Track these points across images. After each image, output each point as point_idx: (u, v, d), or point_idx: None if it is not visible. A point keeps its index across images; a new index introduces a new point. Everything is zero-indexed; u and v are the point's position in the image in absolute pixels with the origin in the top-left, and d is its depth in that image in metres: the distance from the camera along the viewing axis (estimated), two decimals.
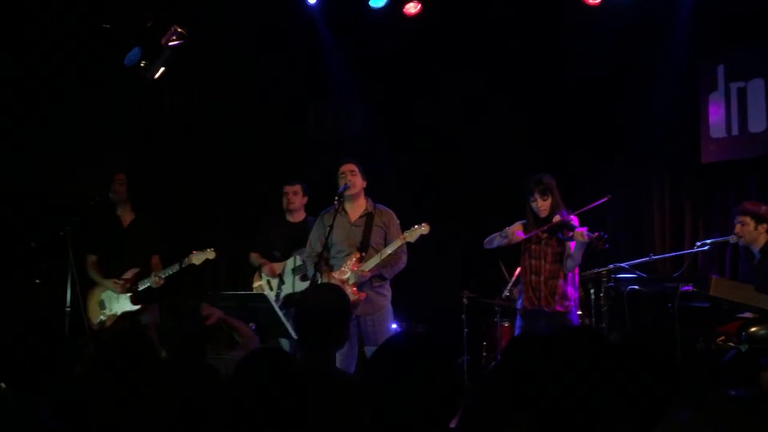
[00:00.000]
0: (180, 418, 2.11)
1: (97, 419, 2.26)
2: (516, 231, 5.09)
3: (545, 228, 5.02)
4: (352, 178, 5.17)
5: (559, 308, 4.99)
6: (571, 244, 4.96)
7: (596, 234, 4.80)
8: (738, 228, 5.35)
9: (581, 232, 4.83)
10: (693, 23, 6.65)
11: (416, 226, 5.12)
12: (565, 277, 5.02)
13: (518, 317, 5.25)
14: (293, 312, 4.84)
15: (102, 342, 2.49)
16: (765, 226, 5.28)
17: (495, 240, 5.20)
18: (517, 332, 5.29)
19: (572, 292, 5.06)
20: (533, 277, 5.07)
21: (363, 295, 5.05)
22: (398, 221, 5.31)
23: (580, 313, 6.37)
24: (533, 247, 5.11)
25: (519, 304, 5.21)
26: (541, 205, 5.04)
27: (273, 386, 2.21)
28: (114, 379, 2.38)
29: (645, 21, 6.77)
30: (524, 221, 5.21)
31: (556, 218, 4.98)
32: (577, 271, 5.15)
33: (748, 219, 5.27)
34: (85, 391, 2.39)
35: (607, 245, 4.85)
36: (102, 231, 5.74)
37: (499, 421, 1.94)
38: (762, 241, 5.29)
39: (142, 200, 5.91)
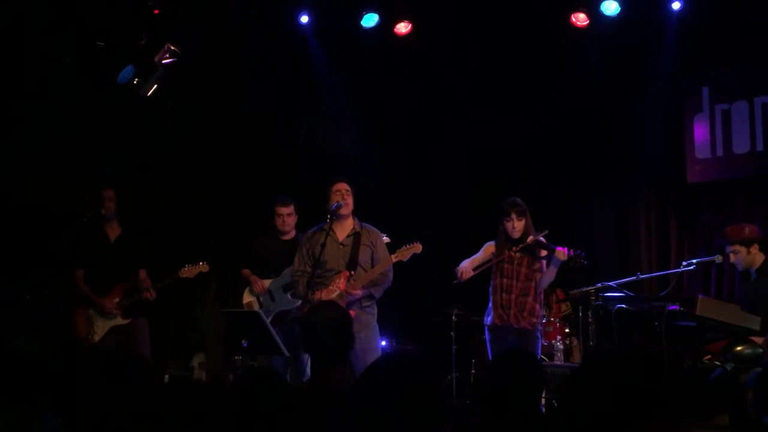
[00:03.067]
0: None
1: None
2: (464, 271, 5.25)
3: (520, 247, 5.20)
4: (347, 197, 5.22)
5: (526, 325, 5.19)
6: (543, 263, 5.20)
7: (573, 252, 5.04)
8: (732, 258, 5.43)
9: (562, 251, 5.07)
10: (678, 46, 6.77)
11: (408, 245, 5.17)
12: (535, 295, 5.22)
13: (487, 332, 5.43)
14: (299, 333, 4.89)
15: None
16: (756, 246, 5.35)
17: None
18: (488, 346, 5.44)
19: (538, 309, 5.27)
20: (504, 295, 5.25)
21: (352, 314, 5.08)
22: (384, 240, 5.36)
23: (567, 330, 6.49)
24: (506, 266, 5.28)
25: (488, 321, 5.36)
26: (517, 225, 5.22)
27: (264, 407, 2.25)
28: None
29: (631, 43, 6.89)
30: (495, 241, 5.34)
31: (531, 238, 5.18)
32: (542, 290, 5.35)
33: (737, 247, 5.36)
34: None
35: (585, 262, 5.07)
36: (89, 246, 5.75)
37: None
38: (758, 261, 5.36)
39: (132, 215, 5.92)
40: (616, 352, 2.38)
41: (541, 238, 5.21)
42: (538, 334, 5.32)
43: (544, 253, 5.19)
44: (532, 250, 5.22)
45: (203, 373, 6.30)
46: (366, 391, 1.95)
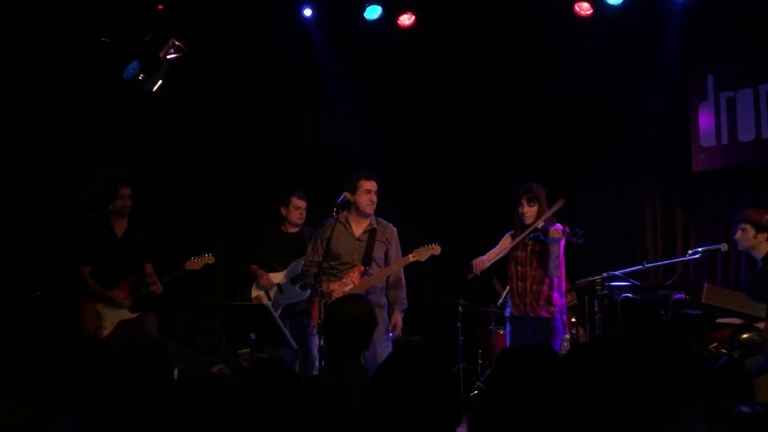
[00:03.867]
0: None
1: None
2: (479, 263, 5.15)
3: (528, 233, 5.08)
4: (376, 197, 5.19)
5: (543, 314, 5.04)
6: (556, 249, 5.04)
7: (568, 229, 4.89)
8: (738, 234, 5.42)
9: (555, 229, 4.92)
10: (683, 34, 6.75)
11: (427, 246, 5.13)
12: (551, 283, 5.07)
13: (507, 324, 5.33)
14: (308, 326, 4.92)
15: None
16: (765, 234, 5.33)
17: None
18: (507, 339, 5.35)
19: (557, 298, 5.10)
20: (519, 283, 5.15)
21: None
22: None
23: (574, 320, 6.48)
24: (519, 254, 5.19)
25: (507, 312, 5.28)
26: (527, 211, 5.12)
27: (275, 397, 2.28)
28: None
29: (635, 32, 6.87)
30: (513, 232, 5.29)
31: (539, 223, 5.04)
32: (563, 277, 5.19)
33: (748, 226, 5.34)
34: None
35: (582, 239, 4.91)
36: (96, 242, 5.78)
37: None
38: (763, 249, 5.35)
39: (139, 210, 5.95)
40: (604, 339, 2.41)
41: (551, 225, 5.07)
42: (558, 324, 5.09)
43: (545, 234, 5.00)
44: (539, 234, 5.08)
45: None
46: (383, 383, 1.97)
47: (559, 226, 5.00)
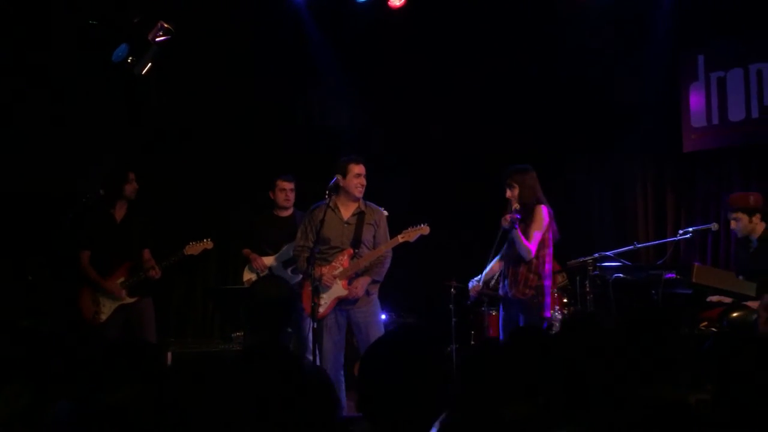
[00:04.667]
0: None
1: None
2: (474, 289, 5.42)
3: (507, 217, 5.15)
4: (365, 181, 5.19)
5: (520, 296, 5.10)
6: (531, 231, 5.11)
7: (509, 217, 5.04)
8: (733, 224, 5.45)
9: (504, 217, 5.10)
10: (674, 14, 6.75)
11: (415, 227, 5.16)
12: (529, 265, 5.09)
13: (500, 304, 5.43)
14: (301, 309, 4.95)
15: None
16: (758, 215, 5.37)
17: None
18: (500, 319, 5.41)
19: (534, 280, 5.10)
20: (505, 264, 5.26)
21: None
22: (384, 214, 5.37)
23: (565, 300, 6.52)
24: (507, 236, 5.26)
25: (500, 292, 5.36)
26: (509, 195, 5.19)
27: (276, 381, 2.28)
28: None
29: (627, 12, 6.86)
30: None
31: (515, 206, 5.11)
32: (547, 258, 5.18)
33: (740, 214, 5.37)
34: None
35: (513, 226, 5.00)
36: (95, 227, 5.77)
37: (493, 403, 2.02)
38: (759, 230, 5.39)
39: (136, 196, 5.94)
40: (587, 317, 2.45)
41: (519, 210, 5.11)
42: (534, 305, 5.09)
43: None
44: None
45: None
46: (372, 366, 1.98)
47: (543, 207, 5.10)
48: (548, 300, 5.22)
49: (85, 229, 5.73)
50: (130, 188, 5.77)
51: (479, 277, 5.38)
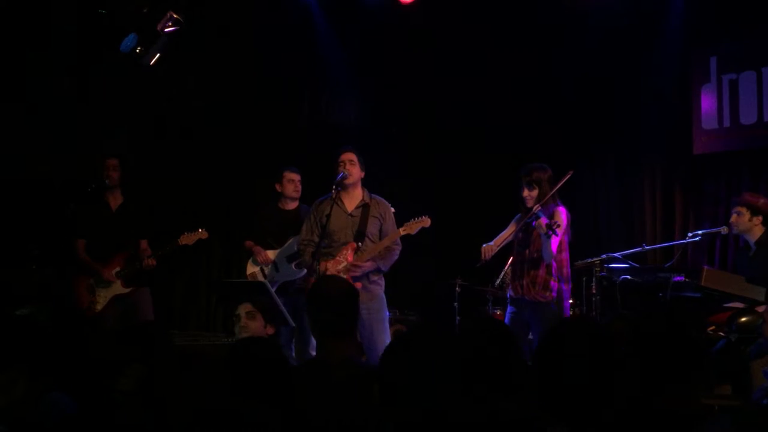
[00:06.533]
0: None
1: None
2: (486, 250, 5.09)
3: (528, 217, 4.98)
4: (351, 167, 5.17)
5: (539, 298, 4.96)
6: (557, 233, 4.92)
7: (545, 223, 4.78)
8: (734, 217, 5.41)
9: (539, 223, 4.83)
10: (686, 16, 6.70)
11: (417, 219, 5.12)
12: (548, 267, 4.97)
13: (508, 305, 5.30)
14: (303, 304, 4.88)
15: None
16: (760, 218, 5.33)
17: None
18: (507, 319, 5.30)
19: (554, 284, 4.97)
20: (518, 266, 5.10)
21: (359, 285, 5.08)
22: (392, 211, 5.33)
23: (571, 301, 6.44)
24: (521, 236, 5.12)
25: (509, 293, 5.25)
26: (527, 195, 5.05)
27: (262, 377, 2.26)
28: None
29: (639, 14, 6.82)
30: (519, 215, 5.24)
31: (536, 208, 4.94)
32: (566, 263, 5.08)
33: (744, 210, 5.33)
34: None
35: (556, 235, 4.75)
36: (91, 216, 5.75)
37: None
38: (757, 233, 5.35)
39: (136, 185, 5.91)
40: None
41: (549, 210, 4.96)
42: (554, 307, 4.95)
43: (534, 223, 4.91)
44: (530, 220, 4.96)
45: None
46: (391, 366, 1.96)
47: (562, 208, 4.95)
48: (567, 304, 5.12)
49: (81, 218, 5.71)
50: (114, 175, 5.71)
51: (491, 242, 5.15)
